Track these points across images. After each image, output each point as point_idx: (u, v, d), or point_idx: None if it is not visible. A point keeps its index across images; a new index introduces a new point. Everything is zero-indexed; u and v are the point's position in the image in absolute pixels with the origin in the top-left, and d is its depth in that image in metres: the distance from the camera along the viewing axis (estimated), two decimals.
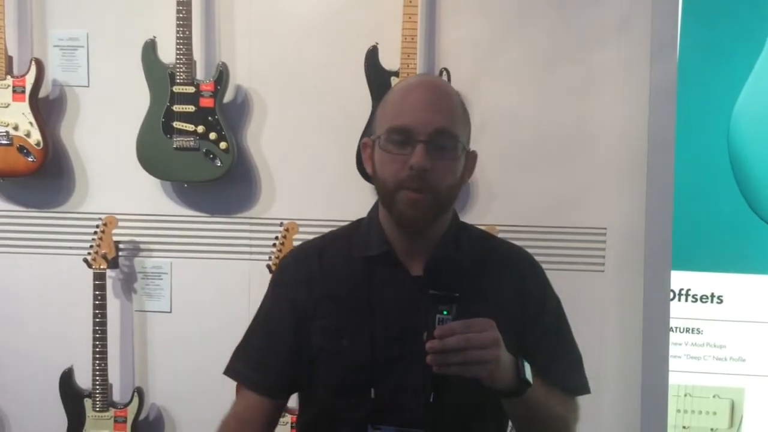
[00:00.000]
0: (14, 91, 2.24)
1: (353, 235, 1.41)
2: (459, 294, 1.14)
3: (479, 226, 1.50)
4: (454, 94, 1.33)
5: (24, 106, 2.25)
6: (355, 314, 1.33)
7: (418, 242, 1.33)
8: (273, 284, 1.46)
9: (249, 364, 1.42)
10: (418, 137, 1.24)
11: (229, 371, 1.46)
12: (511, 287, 1.36)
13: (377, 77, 2.21)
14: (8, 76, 2.24)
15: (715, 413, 2.34)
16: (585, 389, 1.42)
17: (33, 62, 2.25)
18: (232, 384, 2.26)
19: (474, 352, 1.12)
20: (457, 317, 1.13)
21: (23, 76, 2.25)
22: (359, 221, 1.44)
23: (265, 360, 1.40)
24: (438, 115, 1.26)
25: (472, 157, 1.35)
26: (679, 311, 2.32)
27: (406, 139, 1.25)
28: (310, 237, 2.25)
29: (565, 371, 1.39)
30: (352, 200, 2.32)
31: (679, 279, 2.30)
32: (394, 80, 2.20)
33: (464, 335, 1.11)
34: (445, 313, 1.13)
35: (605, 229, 2.33)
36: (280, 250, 2.23)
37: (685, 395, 2.34)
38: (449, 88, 1.36)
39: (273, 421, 1.44)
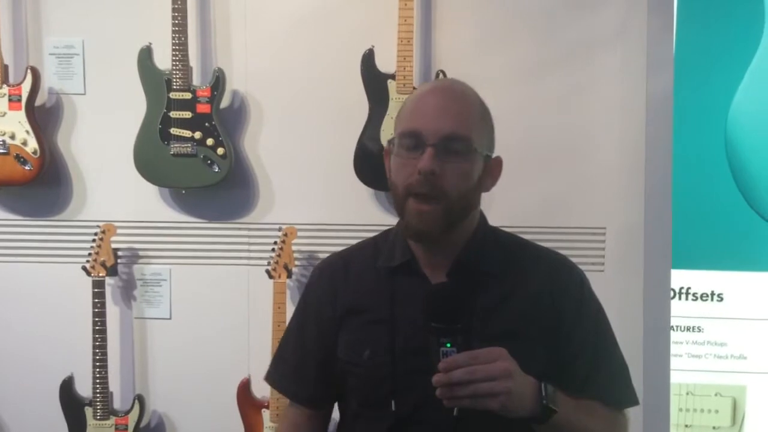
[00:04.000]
0: (10, 100, 2.23)
1: (379, 245, 1.40)
2: (461, 325, 1.11)
3: None
4: (472, 98, 1.30)
5: (20, 115, 2.24)
6: (376, 326, 1.32)
7: (439, 251, 1.31)
8: (302, 299, 1.48)
9: (284, 375, 1.45)
10: (428, 141, 1.22)
11: (269, 378, 1.49)
12: (541, 295, 1.32)
13: (373, 80, 2.21)
14: (4, 85, 2.23)
15: (717, 411, 2.34)
16: (631, 401, 1.38)
17: (29, 70, 2.25)
18: (232, 389, 2.29)
19: (481, 384, 1.09)
20: (464, 347, 1.10)
21: (19, 84, 2.24)
22: (387, 231, 1.43)
23: (298, 372, 1.42)
24: (450, 119, 1.24)
25: (495, 163, 1.32)
26: (679, 310, 2.32)
27: (416, 144, 1.24)
28: (309, 241, 2.31)
29: (608, 383, 1.34)
30: (351, 204, 2.32)
31: (679, 277, 2.30)
32: (390, 83, 2.19)
33: (469, 368, 1.08)
34: (448, 345, 1.10)
35: (605, 228, 2.33)
36: (279, 255, 2.22)
37: (687, 394, 2.34)
38: (467, 91, 1.30)
39: (318, 430, 1.46)
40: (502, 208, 2.33)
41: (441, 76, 2.23)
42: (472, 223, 1.34)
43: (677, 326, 2.33)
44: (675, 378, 2.29)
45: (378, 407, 1.30)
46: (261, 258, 2.30)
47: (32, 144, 2.25)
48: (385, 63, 2.21)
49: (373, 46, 2.21)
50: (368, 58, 2.21)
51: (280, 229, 2.25)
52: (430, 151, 1.21)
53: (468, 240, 1.32)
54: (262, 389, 2.29)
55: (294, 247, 2.24)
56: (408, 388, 1.27)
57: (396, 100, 2.19)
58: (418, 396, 1.25)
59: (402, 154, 1.26)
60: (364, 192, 2.29)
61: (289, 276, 2.23)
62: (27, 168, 2.26)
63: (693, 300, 2.33)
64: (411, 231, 1.27)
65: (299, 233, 2.25)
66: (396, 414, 1.28)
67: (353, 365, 1.33)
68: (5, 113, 2.24)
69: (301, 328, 1.44)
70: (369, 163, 2.22)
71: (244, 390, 2.29)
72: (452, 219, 1.26)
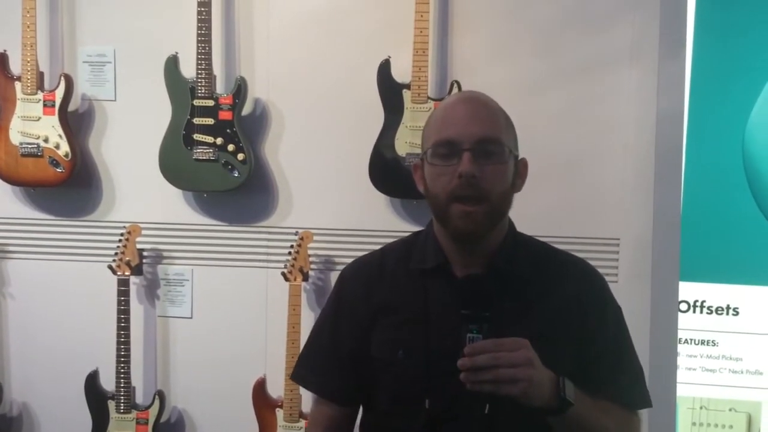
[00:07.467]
0: (45, 105, 2.34)
1: (411, 247, 1.45)
2: (489, 313, 1.17)
3: None
4: (494, 105, 1.38)
5: (54, 120, 2.35)
6: (410, 326, 1.36)
7: (473, 254, 1.36)
8: (334, 294, 1.52)
9: (312, 370, 1.49)
10: (463, 146, 1.28)
11: (295, 376, 1.54)
12: (568, 299, 1.37)
13: (389, 90, 2.25)
14: (39, 91, 2.34)
15: (731, 427, 2.31)
16: (645, 403, 1.42)
17: (62, 77, 2.35)
18: (249, 387, 2.35)
19: (504, 370, 1.14)
20: (490, 334, 1.16)
21: (53, 90, 2.35)
22: (418, 233, 1.48)
23: (326, 366, 1.46)
24: (480, 124, 1.30)
25: (522, 164, 1.39)
26: (694, 323, 2.30)
27: (451, 152, 1.29)
28: (325, 246, 2.37)
29: (625, 385, 1.39)
30: (366, 210, 2.37)
31: (694, 290, 2.29)
32: (405, 93, 2.23)
33: (493, 354, 1.14)
34: (474, 332, 1.16)
35: (618, 239, 2.33)
36: (295, 259, 2.28)
37: (701, 408, 2.32)
38: (489, 100, 1.38)
39: (345, 429, 1.49)
40: (518, 218, 2.36)
41: (456, 86, 2.26)
42: (503, 227, 1.39)
43: (691, 339, 2.31)
44: (689, 392, 2.28)
45: (411, 405, 1.34)
46: (278, 261, 2.36)
47: (64, 147, 2.36)
48: (402, 71, 2.25)
49: (390, 57, 2.26)
50: (384, 68, 2.25)
51: (296, 234, 2.31)
52: (468, 155, 1.28)
53: (499, 244, 1.37)
54: (277, 388, 2.35)
55: (310, 252, 2.30)
56: (441, 387, 1.31)
57: (410, 110, 2.23)
58: (451, 395, 1.29)
59: (437, 163, 1.31)
60: (379, 199, 2.33)
61: (305, 279, 2.29)
62: (59, 170, 2.36)
63: (708, 313, 2.31)
64: (457, 232, 1.32)
65: (315, 238, 2.31)
66: (429, 412, 1.32)
67: (387, 364, 1.37)
68: (40, 118, 2.35)
69: (333, 323, 1.48)
70: (384, 171, 2.27)
71: (260, 389, 2.35)
72: (495, 219, 1.33)
